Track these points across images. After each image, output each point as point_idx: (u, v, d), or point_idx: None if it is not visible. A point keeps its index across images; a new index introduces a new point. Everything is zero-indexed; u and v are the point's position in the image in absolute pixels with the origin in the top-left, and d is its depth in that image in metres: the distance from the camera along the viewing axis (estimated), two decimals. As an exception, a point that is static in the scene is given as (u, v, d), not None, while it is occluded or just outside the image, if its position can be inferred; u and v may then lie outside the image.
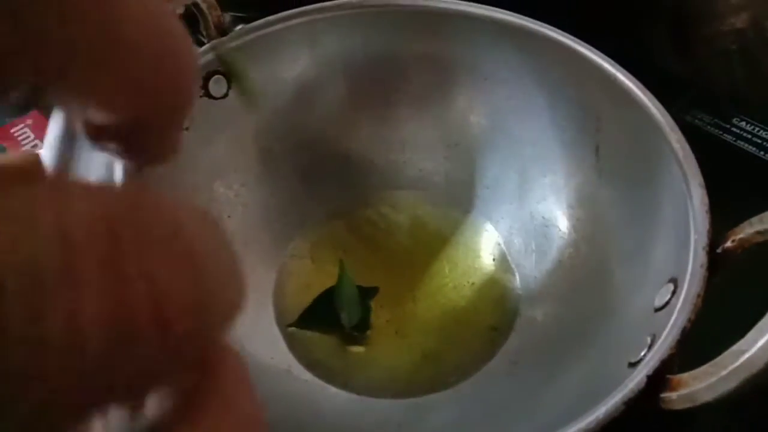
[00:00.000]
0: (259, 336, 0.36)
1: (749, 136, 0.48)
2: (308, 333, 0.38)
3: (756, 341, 0.21)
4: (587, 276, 0.36)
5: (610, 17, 0.54)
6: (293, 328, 0.37)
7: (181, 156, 0.38)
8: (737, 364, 0.21)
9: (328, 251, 0.41)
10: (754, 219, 0.26)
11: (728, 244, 0.27)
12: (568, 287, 0.36)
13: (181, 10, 0.55)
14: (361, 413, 0.34)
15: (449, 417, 0.34)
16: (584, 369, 0.30)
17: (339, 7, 0.39)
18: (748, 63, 0.50)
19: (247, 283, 0.10)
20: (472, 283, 0.39)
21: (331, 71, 0.41)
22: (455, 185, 0.43)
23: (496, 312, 0.38)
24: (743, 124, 0.48)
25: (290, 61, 0.40)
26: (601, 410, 0.23)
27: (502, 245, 0.40)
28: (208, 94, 0.38)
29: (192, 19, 0.40)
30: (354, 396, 0.35)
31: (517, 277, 0.39)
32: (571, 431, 0.23)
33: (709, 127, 0.49)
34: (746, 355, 0.21)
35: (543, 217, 0.39)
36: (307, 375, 0.35)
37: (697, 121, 0.49)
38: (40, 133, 0.51)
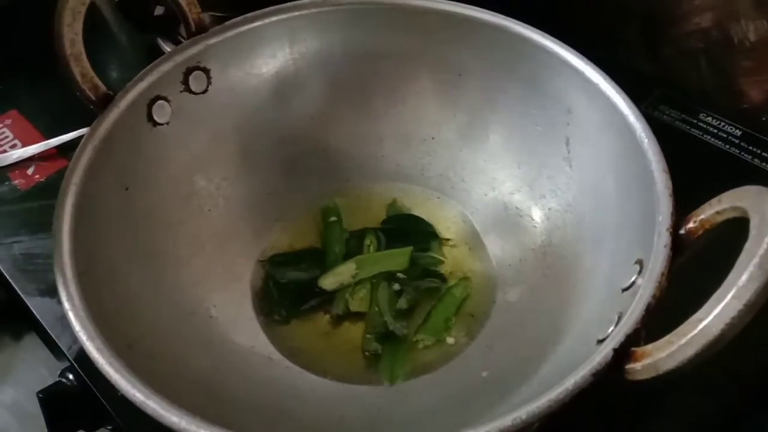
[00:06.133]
0: (240, 326, 0.37)
1: (715, 131, 0.49)
2: (287, 323, 0.38)
3: (711, 310, 0.22)
4: (559, 262, 0.37)
5: (583, 20, 0.56)
6: (277, 320, 0.38)
7: (162, 150, 0.39)
8: (695, 332, 0.23)
9: (308, 243, 0.42)
10: (713, 200, 0.28)
11: (690, 224, 0.28)
12: (541, 273, 0.38)
13: (161, 11, 0.56)
14: (342, 398, 0.35)
15: (428, 401, 0.35)
16: (556, 349, 0.32)
17: (316, 4, 0.40)
18: (713, 61, 0.52)
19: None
20: (450, 272, 0.40)
21: (310, 67, 0.42)
22: (432, 178, 0.44)
23: (473, 299, 0.39)
24: (709, 119, 0.50)
25: (269, 57, 0.41)
26: (570, 382, 0.24)
27: (479, 235, 0.42)
28: (188, 90, 0.38)
29: (172, 17, 0.40)
30: (334, 382, 0.36)
31: (494, 265, 0.40)
32: (541, 402, 0.24)
33: (677, 122, 0.50)
34: (703, 324, 0.22)
35: (516, 208, 0.41)
36: (287, 362, 0.36)
37: (665, 116, 0.51)
38: (19, 132, 0.52)
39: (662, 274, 0.27)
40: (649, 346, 0.25)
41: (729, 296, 0.22)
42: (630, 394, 0.35)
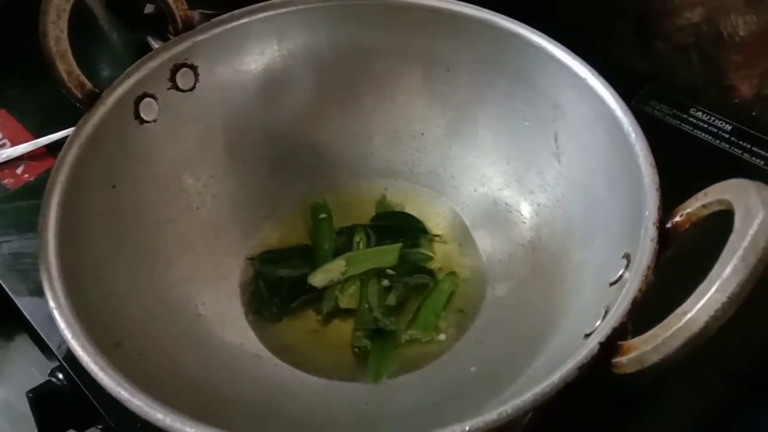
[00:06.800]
0: (228, 323, 0.37)
1: (705, 126, 0.50)
2: (278, 321, 0.38)
3: (696, 303, 0.23)
4: (548, 257, 0.37)
5: (573, 16, 0.56)
6: (263, 316, 0.38)
7: (149, 148, 0.39)
8: (680, 325, 0.23)
9: (297, 241, 0.42)
10: (699, 194, 0.28)
11: (677, 218, 0.28)
12: (530, 269, 0.38)
13: (151, 9, 0.56)
14: (332, 394, 0.35)
15: (418, 396, 0.35)
16: (545, 343, 0.32)
17: (304, 1, 0.40)
18: (704, 56, 0.52)
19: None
20: (440, 268, 0.40)
21: (298, 64, 0.41)
22: (421, 174, 0.44)
23: (462, 295, 0.39)
24: (700, 114, 0.50)
25: (257, 54, 0.41)
26: (556, 376, 0.24)
27: (468, 231, 0.42)
28: (176, 87, 0.38)
29: (162, 15, 0.40)
30: (324, 379, 0.35)
31: (483, 261, 0.40)
32: (527, 396, 0.24)
33: (667, 117, 0.50)
34: (687, 316, 0.23)
35: (506, 204, 0.41)
36: (276, 360, 0.36)
37: (656, 112, 0.51)
38: (8, 132, 0.51)
39: (648, 267, 0.27)
40: (636, 340, 0.25)
41: (713, 289, 0.22)
42: (623, 390, 0.36)
